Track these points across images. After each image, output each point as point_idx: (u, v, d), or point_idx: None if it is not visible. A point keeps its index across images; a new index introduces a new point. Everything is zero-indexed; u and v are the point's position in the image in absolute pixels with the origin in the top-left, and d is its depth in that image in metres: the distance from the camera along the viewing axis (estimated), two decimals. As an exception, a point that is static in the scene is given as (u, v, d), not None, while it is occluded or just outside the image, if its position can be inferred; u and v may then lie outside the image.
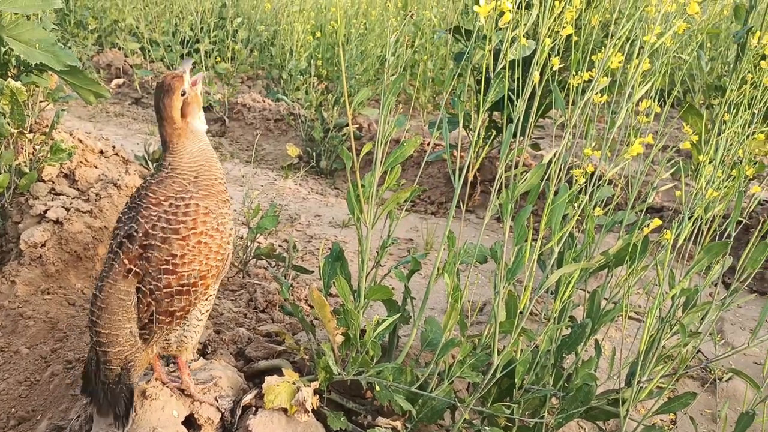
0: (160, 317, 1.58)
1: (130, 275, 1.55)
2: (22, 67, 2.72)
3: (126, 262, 1.55)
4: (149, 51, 7.79)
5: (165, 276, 1.54)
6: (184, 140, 1.63)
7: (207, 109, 6.45)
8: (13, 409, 2.04)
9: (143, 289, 1.55)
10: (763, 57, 1.71)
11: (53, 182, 2.89)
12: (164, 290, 1.55)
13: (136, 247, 1.54)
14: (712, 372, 2.57)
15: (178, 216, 1.56)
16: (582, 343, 1.78)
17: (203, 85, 1.69)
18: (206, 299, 1.66)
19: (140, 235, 1.55)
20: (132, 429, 1.64)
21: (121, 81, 7.67)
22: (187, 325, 1.66)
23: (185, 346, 1.71)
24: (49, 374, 2.13)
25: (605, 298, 1.88)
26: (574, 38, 1.65)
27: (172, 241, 1.54)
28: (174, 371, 1.85)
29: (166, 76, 1.62)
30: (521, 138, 1.72)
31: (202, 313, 1.68)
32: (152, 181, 1.63)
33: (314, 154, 5.56)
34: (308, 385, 1.80)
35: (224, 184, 1.69)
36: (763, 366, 1.65)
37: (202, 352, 2.15)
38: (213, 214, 1.60)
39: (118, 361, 1.60)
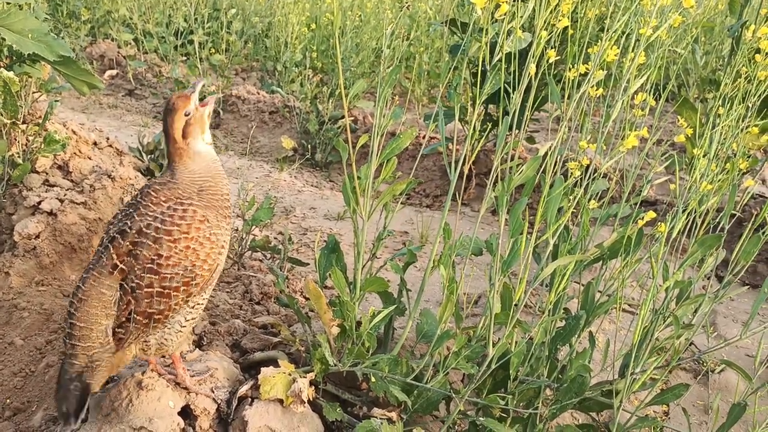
0: (138, 318, 1.57)
1: (115, 271, 1.55)
2: (14, 57, 2.70)
3: (114, 257, 1.55)
4: (143, 42, 7.74)
5: (148, 275, 1.54)
6: (186, 160, 1.64)
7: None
8: (8, 400, 2.04)
9: (125, 286, 1.55)
10: (758, 51, 1.71)
11: (47, 173, 2.87)
12: (145, 290, 1.54)
13: (127, 243, 1.55)
14: (705, 364, 2.59)
15: (174, 219, 1.56)
16: (576, 335, 1.79)
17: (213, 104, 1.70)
18: (192, 307, 1.65)
19: (133, 232, 1.55)
20: (128, 419, 1.65)
21: (114, 72, 7.62)
22: (169, 330, 1.65)
23: (165, 351, 1.70)
24: (44, 365, 2.13)
25: (599, 291, 1.89)
26: (570, 31, 1.65)
27: (163, 242, 1.54)
28: (170, 364, 1.85)
29: (173, 95, 1.63)
30: (517, 131, 1.72)
31: (187, 320, 1.67)
32: (156, 182, 1.63)
33: (309, 146, 5.55)
34: (304, 377, 1.80)
35: (229, 200, 1.68)
36: (755, 358, 1.67)
37: (198, 344, 2.15)
38: (209, 224, 1.60)
39: (84, 357, 1.58)
